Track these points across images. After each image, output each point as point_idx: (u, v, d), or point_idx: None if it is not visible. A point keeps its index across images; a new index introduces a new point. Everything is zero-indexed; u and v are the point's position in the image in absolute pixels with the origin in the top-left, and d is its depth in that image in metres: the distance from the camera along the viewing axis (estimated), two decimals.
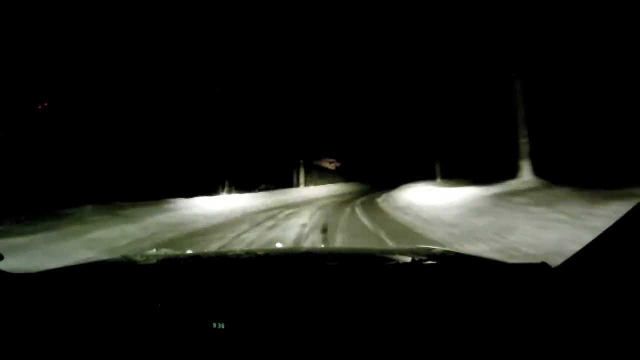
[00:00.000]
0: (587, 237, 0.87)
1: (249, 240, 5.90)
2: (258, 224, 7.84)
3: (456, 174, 15.84)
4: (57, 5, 8.88)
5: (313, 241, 5.49)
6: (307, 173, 21.78)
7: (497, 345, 0.76)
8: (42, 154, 8.18)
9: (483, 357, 0.75)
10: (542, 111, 10.60)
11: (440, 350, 0.75)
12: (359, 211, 9.94)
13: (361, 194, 19.89)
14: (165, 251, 1.84)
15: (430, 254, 1.40)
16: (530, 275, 1.00)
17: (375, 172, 29.64)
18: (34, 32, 8.54)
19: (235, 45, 14.59)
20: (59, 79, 9.32)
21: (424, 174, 17.71)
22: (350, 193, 21.32)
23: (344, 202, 13.98)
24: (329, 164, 27.27)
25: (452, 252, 1.48)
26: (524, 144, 9.44)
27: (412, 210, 8.65)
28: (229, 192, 14.05)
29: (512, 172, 9.52)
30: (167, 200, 9.89)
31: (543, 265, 0.99)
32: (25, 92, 8.61)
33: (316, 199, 15.98)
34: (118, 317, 0.86)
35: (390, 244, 5.15)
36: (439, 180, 16.14)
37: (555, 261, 0.98)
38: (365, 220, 8.00)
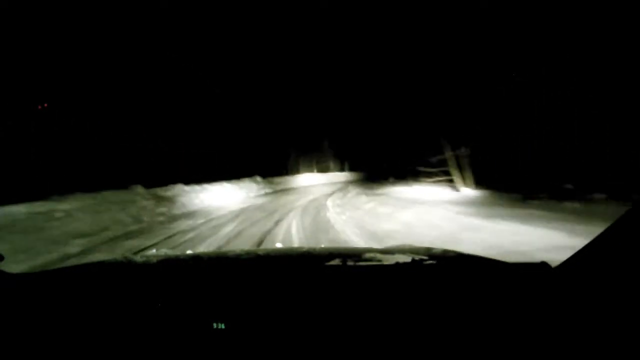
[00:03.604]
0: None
1: None
2: None
3: None
4: (57, 5, 8.88)
5: None
6: None
7: (498, 344, 0.76)
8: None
9: (483, 356, 0.75)
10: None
11: (441, 349, 0.75)
12: None
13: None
14: (165, 251, 1.84)
15: (430, 254, 1.40)
16: (530, 275, 1.00)
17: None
18: (34, 32, 8.54)
19: (235, 46, 14.58)
20: (59, 79, 9.31)
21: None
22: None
23: None
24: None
25: (452, 251, 1.48)
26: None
27: None
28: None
29: None
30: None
31: (543, 265, 0.99)
32: (25, 92, 8.62)
33: None
34: (118, 318, 0.86)
35: None
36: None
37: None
38: None
